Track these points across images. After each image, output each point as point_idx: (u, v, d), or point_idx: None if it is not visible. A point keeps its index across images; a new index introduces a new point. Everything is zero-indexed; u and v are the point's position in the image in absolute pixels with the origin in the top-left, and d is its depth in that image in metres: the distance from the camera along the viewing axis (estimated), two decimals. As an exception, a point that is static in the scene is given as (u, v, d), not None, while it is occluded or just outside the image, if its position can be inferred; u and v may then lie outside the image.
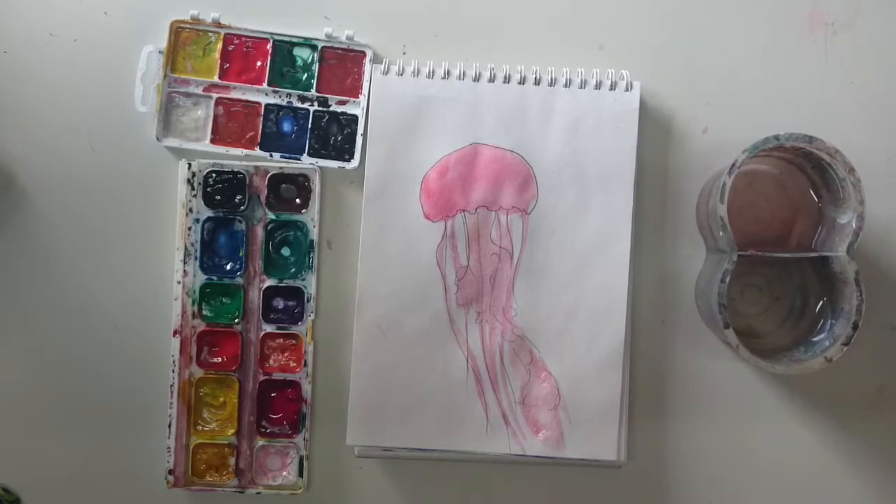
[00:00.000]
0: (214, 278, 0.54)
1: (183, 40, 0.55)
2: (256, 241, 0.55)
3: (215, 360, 0.55)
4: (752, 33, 0.56)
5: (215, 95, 0.55)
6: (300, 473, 0.55)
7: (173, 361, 0.54)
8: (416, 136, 0.54)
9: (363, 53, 0.55)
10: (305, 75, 0.55)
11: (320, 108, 0.55)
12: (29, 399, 0.55)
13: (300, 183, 0.55)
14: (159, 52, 0.54)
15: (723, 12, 0.56)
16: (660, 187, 0.55)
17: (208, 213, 0.54)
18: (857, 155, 0.49)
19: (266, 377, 0.55)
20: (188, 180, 0.54)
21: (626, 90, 0.54)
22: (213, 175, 0.54)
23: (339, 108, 0.55)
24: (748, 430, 0.55)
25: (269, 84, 0.55)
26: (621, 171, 0.54)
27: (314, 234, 0.55)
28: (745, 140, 0.50)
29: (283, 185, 0.55)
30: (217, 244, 0.55)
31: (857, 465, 0.55)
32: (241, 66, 0.55)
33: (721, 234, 0.50)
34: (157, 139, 0.54)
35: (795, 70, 0.56)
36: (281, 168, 0.55)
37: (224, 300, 0.55)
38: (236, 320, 0.54)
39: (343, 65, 0.55)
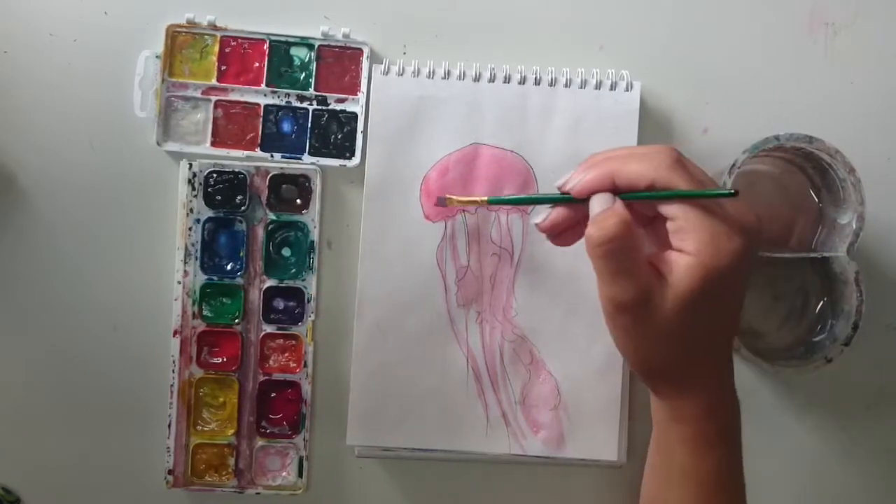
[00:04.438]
0: (215, 278, 0.54)
1: (179, 44, 0.55)
2: (257, 242, 0.55)
3: (215, 360, 0.55)
4: (752, 33, 0.56)
5: (214, 98, 0.55)
6: (300, 474, 0.55)
7: (173, 361, 0.54)
8: (416, 136, 0.54)
9: (360, 50, 0.55)
10: (303, 74, 0.55)
11: (319, 107, 0.55)
12: (29, 399, 0.55)
13: (301, 183, 0.55)
14: (156, 56, 0.54)
15: (723, 12, 0.56)
16: (660, 187, 0.55)
17: (209, 213, 0.54)
18: (857, 155, 0.49)
19: (266, 377, 0.55)
20: (189, 180, 0.54)
21: (626, 90, 0.54)
22: (214, 175, 0.54)
23: (339, 106, 0.55)
24: (748, 430, 0.55)
25: (267, 84, 0.55)
26: (621, 172, 0.54)
27: (315, 234, 0.55)
28: (745, 140, 0.50)
29: (284, 186, 0.55)
30: (217, 244, 0.55)
31: (857, 465, 0.55)
32: (239, 68, 0.55)
33: (721, 234, 0.49)
34: (158, 144, 0.54)
35: (795, 70, 0.56)
36: (282, 168, 0.54)
37: (224, 300, 0.55)
38: (236, 321, 0.54)
39: (340, 62, 0.55)
